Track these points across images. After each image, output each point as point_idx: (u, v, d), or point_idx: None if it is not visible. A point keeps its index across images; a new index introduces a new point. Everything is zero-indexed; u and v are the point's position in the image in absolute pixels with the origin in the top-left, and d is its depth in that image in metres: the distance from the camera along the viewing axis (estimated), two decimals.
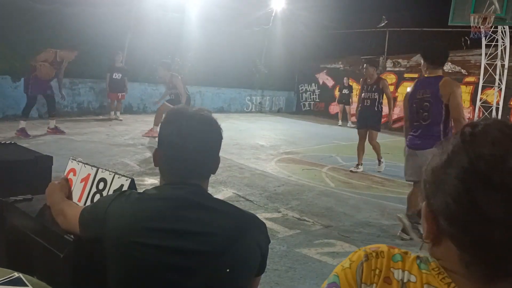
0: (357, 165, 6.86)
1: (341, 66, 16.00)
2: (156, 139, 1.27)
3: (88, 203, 1.43)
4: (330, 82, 15.93)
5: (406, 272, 0.67)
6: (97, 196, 1.42)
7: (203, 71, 12.99)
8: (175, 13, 12.08)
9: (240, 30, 14.05)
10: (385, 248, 0.72)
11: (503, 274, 0.59)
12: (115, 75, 10.13)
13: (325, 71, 16.12)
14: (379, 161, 7.07)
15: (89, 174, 1.48)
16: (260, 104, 15.82)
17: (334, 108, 15.02)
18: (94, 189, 1.45)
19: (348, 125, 13.61)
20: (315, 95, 16.50)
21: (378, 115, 6.90)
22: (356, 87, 14.71)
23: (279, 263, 3.26)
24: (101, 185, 1.43)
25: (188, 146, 1.18)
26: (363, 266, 0.69)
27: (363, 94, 6.89)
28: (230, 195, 4.95)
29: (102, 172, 1.46)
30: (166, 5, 11.72)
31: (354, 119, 14.23)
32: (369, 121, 6.82)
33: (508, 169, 0.56)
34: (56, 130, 7.53)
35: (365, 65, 6.95)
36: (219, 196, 4.79)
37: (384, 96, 6.83)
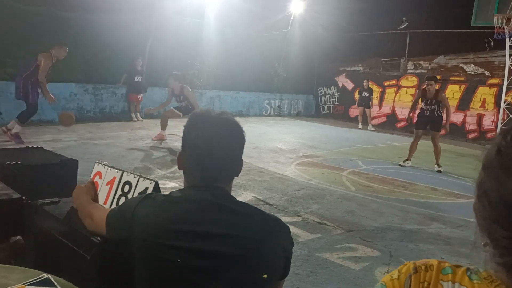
0: (406, 160, 7.70)
1: (361, 68, 15.86)
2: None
3: (114, 205, 1.46)
4: (349, 85, 15.81)
5: (456, 284, 0.67)
6: (123, 199, 1.44)
7: (222, 75, 13.07)
8: (194, 19, 12.20)
9: (258, 34, 14.09)
10: (435, 262, 0.72)
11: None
12: (137, 78, 10.66)
13: (344, 73, 16.01)
14: (438, 164, 7.56)
15: (114, 177, 1.50)
16: (278, 107, 15.80)
17: (354, 111, 14.89)
18: (119, 192, 1.47)
19: (368, 128, 13.47)
20: (335, 98, 16.39)
21: (439, 119, 7.59)
22: (376, 89, 14.58)
23: (300, 267, 3.24)
24: (126, 188, 1.45)
25: (212, 149, 1.19)
26: (412, 278, 0.70)
27: (422, 105, 7.66)
28: (250, 198, 4.95)
29: (127, 175, 1.48)
30: (185, 11, 11.85)
31: (374, 122, 14.15)
32: (430, 124, 7.57)
33: None
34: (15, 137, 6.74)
35: (427, 81, 7.55)
36: (239, 199, 4.80)
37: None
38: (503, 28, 10.05)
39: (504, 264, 0.61)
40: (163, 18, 11.21)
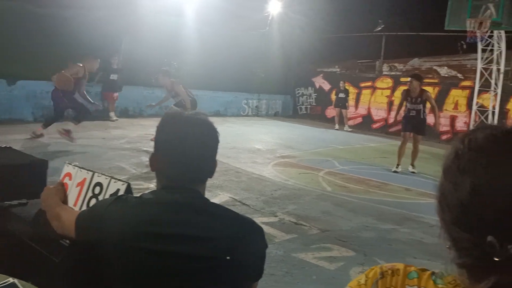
0: (397, 165, 7.48)
1: (338, 70, 16.04)
2: (152, 142, 1.26)
3: (84, 207, 1.42)
4: (326, 86, 15.96)
5: None
6: (93, 201, 1.41)
7: (200, 74, 12.98)
8: (171, 17, 12.08)
9: (237, 34, 14.06)
10: (402, 266, 0.72)
11: (474, 269, 0.61)
12: (112, 76, 10.51)
13: (321, 74, 16.15)
14: (412, 165, 7.59)
15: (84, 179, 1.47)
16: (256, 107, 15.82)
17: (331, 112, 15.04)
18: (90, 194, 1.44)
19: (344, 129, 13.63)
20: (312, 98, 16.52)
21: (423, 122, 7.54)
22: (352, 90, 14.77)
23: (276, 268, 3.24)
24: (97, 190, 1.42)
25: (185, 150, 1.17)
26: (378, 284, 0.70)
27: (408, 105, 7.51)
28: (227, 199, 4.93)
29: (98, 176, 1.44)
30: (163, 8, 11.72)
31: (350, 123, 14.33)
32: (414, 127, 7.46)
33: (481, 168, 0.59)
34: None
35: (409, 78, 7.55)
36: (216, 200, 4.78)
37: (428, 105, 7.56)
38: (475, 32, 10.33)
39: (464, 265, 0.62)
40: (139, 15, 11.06)
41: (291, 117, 16.18)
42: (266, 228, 4.07)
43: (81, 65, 7.27)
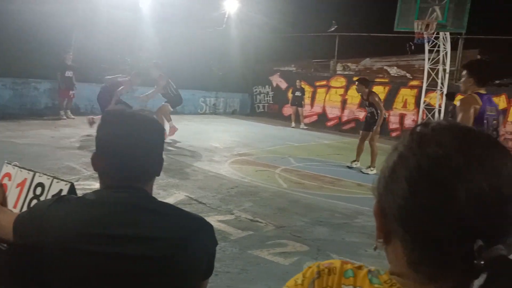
0: (353, 161, 7.69)
1: (294, 68, 16.27)
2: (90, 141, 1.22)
3: (25, 209, 1.36)
4: (283, 85, 16.14)
5: None
6: (34, 202, 1.35)
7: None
8: (126, 12, 11.75)
9: (193, 31, 13.90)
10: (338, 264, 0.70)
11: (446, 273, 0.60)
12: (67, 73, 10.13)
13: (278, 73, 16.31)
14: (370, 167, 7.49)
15: (25, 179, 1.40)
16: (214, 105, 15.74)
17: (287, 110, 15.23)
18: (31, 195, 1.38)
19: (301, 126, 13.84)
20: (269, 97, 16.65)
21: (374, 121, 7.54)
22: (308, 89, 15.03)
23: (231, 266, 3.25)
24: (38, 190, 1.36)
25: (125, 148, 1.14)
26: (315, 283, 0.68)
27: (366, 108, 7.78)
28: (182, 198, 4.88)
29: (39, 176, 1.38)
30: (117, 3, 11.39)
31: (307, 121, 14.58)
32: (371, 126, 7.52)
33: (451, 168, 0.57)
34: None
35: (356, 83, 7.69)
36: (171, 199, 4.71)
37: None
38: (423, 33, 10.82)
39: (409, 262, 0.62)
40: (91, 9, 10.69)
41: (249, 115, 16.23)
42: (222, 226, 4.07)
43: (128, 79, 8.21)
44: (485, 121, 3.49)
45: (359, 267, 0.69)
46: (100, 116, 7.71)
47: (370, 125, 7.56)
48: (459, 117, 3.48)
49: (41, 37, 9.48)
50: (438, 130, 0.62)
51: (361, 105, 7.74)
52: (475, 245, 0.56)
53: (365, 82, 7.66)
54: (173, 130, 8.33)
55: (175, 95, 8.58)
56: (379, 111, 7.39)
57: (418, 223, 0.59)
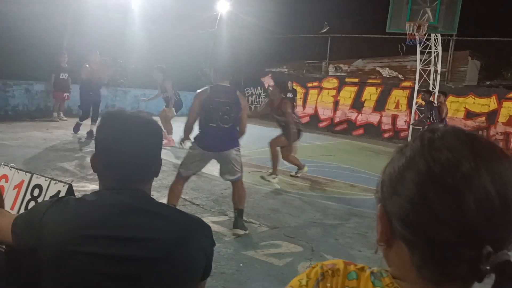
0: (299, 169, 6.69)
1: (286, 70, 16.31)
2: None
3: (22, 211, 1.36)
4: None
5: None
6: (32, 204, 1.35)
7: (147, 73, 12.65)
8: (117, 13, 11.71)
9: (185, 33, 13.88)
10: (341, 265, 0.70)
11: (450, 277, 0.61)
12: (62, 75, 10.10)
13: (270, 74, 16.35)
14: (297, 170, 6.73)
15: (22, 180, 1.41)
16: None
17: None
18: (28, 196, 1.38)
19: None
20: (261, 98, 16.67)
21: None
22: (300, 90, 15.08)
23: (225, 266, 3.26)
24: (36, 192, 1.37)
25: (125, 149, 1.15)
26: (319, 285, 0.68)
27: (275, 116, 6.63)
28: None
29: (37, 178, 1.39)
30: (107, 5, 11.34)
31: None
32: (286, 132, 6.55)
33: (461, 173, 0.58)
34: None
35: (272, 84, 7.06)
36: (164, 200, 4.70)
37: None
38: (414, 34, 10.92)
39: (414, 265, 0.63)
40: (82, 11, 10.63)
41: None
42: (216, 227, 4.08)
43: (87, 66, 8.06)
44: (211, 106, 3.98)
45: (362, 269, 0.69)
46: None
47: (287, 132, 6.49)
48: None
49: (33, 39, 9.40)
50: (447, 135, 0.63)
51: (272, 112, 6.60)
52: (484, 251, 0.57)
53: (282, 87, 6.68)
54: (168, 140, 7.93)
55: (178, 99, 8.77)
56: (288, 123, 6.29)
57: (426, 227, 0.60)
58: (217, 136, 4.03)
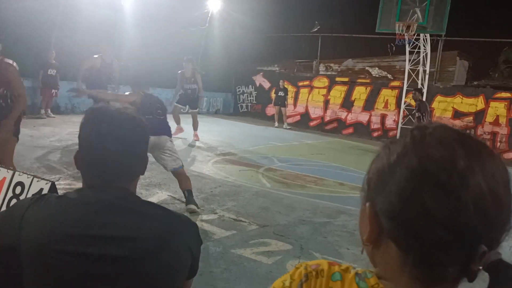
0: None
1: (277, 69, 16.32)
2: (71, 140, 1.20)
3: (4, 209, 1.33)
4: (266, 84, 16.17)
5: None
6: (14, 201, 1.33)
7: (137, 71, 12.58)
8: (107, 10, 11.59)
9: (176, 30, 13.80)
10: (326, 265, 0.69)
11: (442, 277, 0.60)
12: (50, 71, 9.99)
13: (261, 73, 16.34)
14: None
15: (4, 178, 1.38)
16: None
17: (271, 110, 15.27)
18: (10, 194, 1.35)
19: (284, 126, 13.89)
20: (252, 97, 16.66)
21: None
22: (291, 89, 15.11)
23: (214, 265, 3.25)
24: (18, 189, 1.34)
25: (108, 147, 1.13)
26: (303, 287, 0.67)
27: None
28: (165, 197, 4.85)
29: (19, 175, 1.36)
30: (98, 1, 11.22)
31: (289, 120, 14.65)
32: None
33: (457, 172, 0.57)
34: None
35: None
36: (153, 198, 4.68)
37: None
38: (403, 35, 10.99)
39: (403, 265, 0.62)
40: (72, 7, 10.50)
41: (232, 115, 16.21)
42: (205, 226, 4.06)
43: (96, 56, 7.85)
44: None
45: (346, 269, 0.68)
46: None
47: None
48: None
49: (19, 35, 9.27)
50: (438, 133, 0.62)
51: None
52: (479, 250, 0.56)
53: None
54: (180, 130, 8.90)
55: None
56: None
57: (418, 226, 0.58)
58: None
